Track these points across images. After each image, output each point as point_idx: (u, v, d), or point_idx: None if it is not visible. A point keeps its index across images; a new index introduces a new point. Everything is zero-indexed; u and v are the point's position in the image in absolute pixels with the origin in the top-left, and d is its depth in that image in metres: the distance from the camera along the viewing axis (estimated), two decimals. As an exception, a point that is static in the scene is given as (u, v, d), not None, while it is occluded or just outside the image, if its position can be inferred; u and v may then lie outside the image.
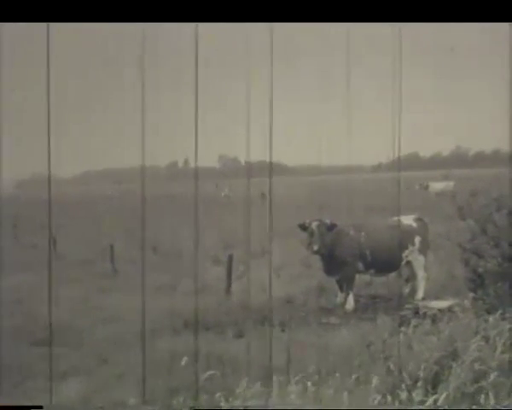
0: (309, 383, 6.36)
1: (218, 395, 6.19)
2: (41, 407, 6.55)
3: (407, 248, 13.46)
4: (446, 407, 5.91)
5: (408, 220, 13.65)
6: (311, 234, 12.84)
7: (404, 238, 13.42)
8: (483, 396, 6.00)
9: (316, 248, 12.80)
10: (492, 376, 6.31)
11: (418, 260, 13.49)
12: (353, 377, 6.53)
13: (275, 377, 6.41)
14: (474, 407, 5.97)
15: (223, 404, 6.07)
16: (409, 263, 13.55)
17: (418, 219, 13.82)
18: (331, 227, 12.99)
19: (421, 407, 5.91)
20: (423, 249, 13.59)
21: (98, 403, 7.69)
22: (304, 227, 13.04)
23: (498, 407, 5.95)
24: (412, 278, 13.59)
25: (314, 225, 12.86)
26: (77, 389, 8.17)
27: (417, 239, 13.54)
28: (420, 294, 13.06)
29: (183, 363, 6.95)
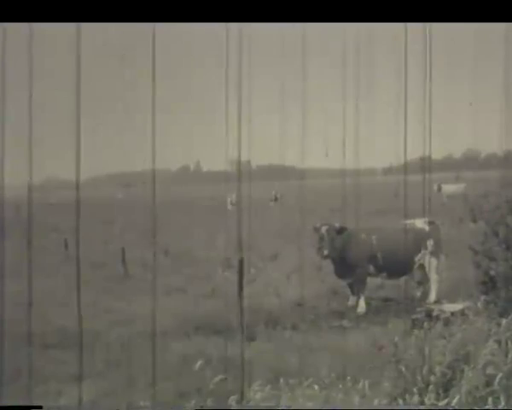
0: (320, 387, 6.35)
1: (231, 398, 6.18)
2: (41, 407, 6.54)
3: (420, 251, 13.43)
4: (456, 408, 5.88)
5: (420, 223, 13.61)
6: (321, 239, 12.85)
7: (416, 241, 13.38)
8: (493, 400, 5.96)
9: (326, 252, 12.82)
10: (504, 380, 6.27)
11: (431, 263, 13.45)
12: (365, 380, 6.51)
13: (286, 381, 6.39)
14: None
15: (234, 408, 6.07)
16: (421, 266, 13.51)
17: (430, 222, 13.78)
18: (341, 230, 12.99)
19: (430, 408, 5.89)
20: (436, 252, 13.55)
21: (109, 406, 7.70)
22: (317, 230, 13.06)
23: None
24: (424, 281, 13.54)
25: (323, 229, 12.87)
26: (88, 392, 8.18)
27: (430, 242, 13.50)
28: (432, 297, 13.01)
29: (195, 367, 6.95)
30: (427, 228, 13.59)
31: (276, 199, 32.45)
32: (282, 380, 6.44)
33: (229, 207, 35.87)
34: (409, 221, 13.68)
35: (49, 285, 14.75)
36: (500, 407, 5.92)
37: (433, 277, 13.33)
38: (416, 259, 13.39)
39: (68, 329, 11.09)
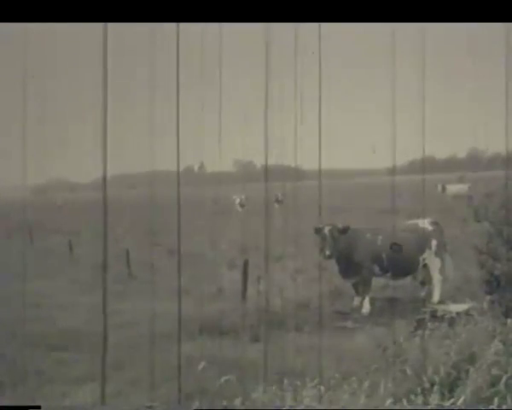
0: (325, 388, 6.34)
1: (236, 400, 6.17)
2: (39, 407, 6.56)
3: (424, 251, 13.42)
4: (462, 408, 5.87)
5: (424, 224, 13.61)
6: (323, 239, 12.85)
7: (420, 242, 13.38)
8: (499, 400, 5.95)
9: (328, 253, 12.81)
10: (510, 380, 6.25)
11: (434, 264, 13.44)
12: (369, 381, 6.50)
13: (291, 382, 6.39)
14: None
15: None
16: (425, 266, 13.50)
17: (434, 223, 13.78)
18: (344, 230, 12.97)
19: (435, 408, 5.88)
20: (439, 253, 13.54)
21: (114, 407, 7.70)
22: (319, 231, 13.05)
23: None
24: (428, 281, 13.53)
25: (326, 230, 12.87)
26: (93, 394, 8.19)
27: (433, 242, 13.49)
28: (436, 297, 13.00)
29: (199, 368, 6.94)
30: (430, 228, 13.59)
31: (278, 201, 32.30)
32: (286, 381, 6.43)
33: (239, 208, 35.86)
34: (412, 221, 13.72)
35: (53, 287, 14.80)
36: (505, 407, 5.91)
37: (436, 277, 13.32)
38: (421, 259, 13.39)
39: (72, 331, 11.15)
